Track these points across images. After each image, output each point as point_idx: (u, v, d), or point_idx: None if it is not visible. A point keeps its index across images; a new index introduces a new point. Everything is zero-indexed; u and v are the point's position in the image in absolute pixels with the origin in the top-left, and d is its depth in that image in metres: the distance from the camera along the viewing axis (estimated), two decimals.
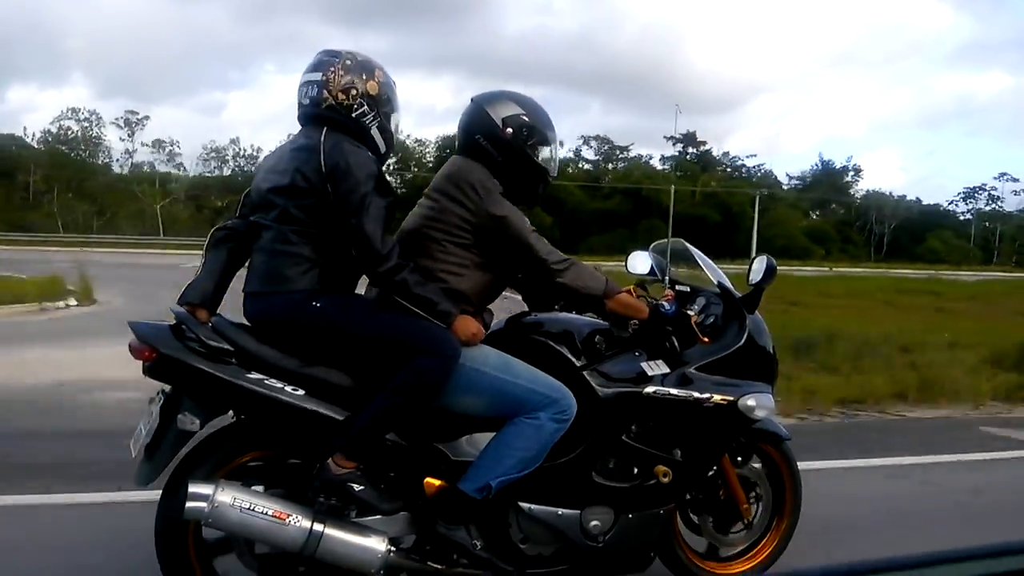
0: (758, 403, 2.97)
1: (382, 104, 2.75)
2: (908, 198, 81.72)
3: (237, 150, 66.33)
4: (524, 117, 2.90)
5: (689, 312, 3.05)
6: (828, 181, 75.87)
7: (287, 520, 2.53)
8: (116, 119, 65.78)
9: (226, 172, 63.43)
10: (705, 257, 3.23)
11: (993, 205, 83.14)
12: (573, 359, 2.88)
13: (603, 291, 2.83)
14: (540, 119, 2.94)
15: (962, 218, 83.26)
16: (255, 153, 62.69)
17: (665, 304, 2.99)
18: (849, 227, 75.66)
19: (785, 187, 76.32)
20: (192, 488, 2.50)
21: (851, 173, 78.65)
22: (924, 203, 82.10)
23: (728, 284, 3.11)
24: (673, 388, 2.91)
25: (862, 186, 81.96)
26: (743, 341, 3.03)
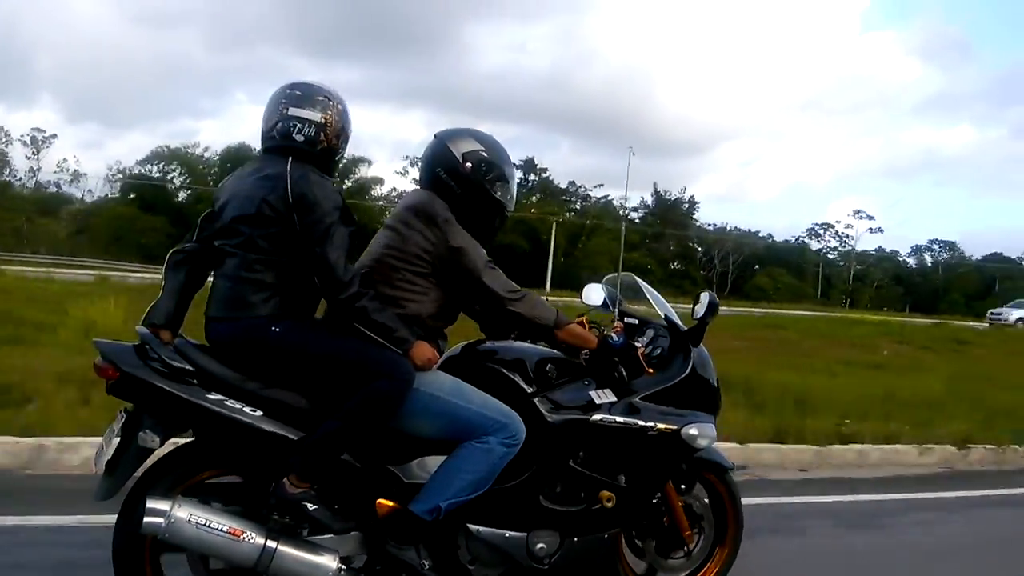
0: (701, 432, 3.11)
1: (344, 138, 2.91)
2: (759, 233, 79.99)
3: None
4: (483, 153, 3.03)
5: (637, 344, 3.19)
6: (663, 214, 72.46)
7: (242, 537, 2.61)
8: (22, 136, 63.45)
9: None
10: (654, 291, 3.38)
11: (842, 243, 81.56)
12: (524, 386, 3.00)
13: (554, 321, 2.97)
14: (499, 156, 3.08)
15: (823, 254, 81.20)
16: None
17: (613, 336, 3.12)
18: (690, 262, 73.60)
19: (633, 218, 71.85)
20: (150, 503, 2.57)
21: (686, 205, 75.88)
22: (774, 239, 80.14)
23: (675, 318, 3.26)
24: (619, 416, 3.03)
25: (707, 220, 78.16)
26: (687, 372, 3.17)
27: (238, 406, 2.67)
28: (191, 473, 2.77)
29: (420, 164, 3.16)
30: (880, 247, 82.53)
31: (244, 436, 2.68)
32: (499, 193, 3.07)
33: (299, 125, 2.80)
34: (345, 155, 2.99)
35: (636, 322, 3.38)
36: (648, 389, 3.12)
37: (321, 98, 2.83)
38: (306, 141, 2.80)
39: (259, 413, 2.68)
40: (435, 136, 3.12)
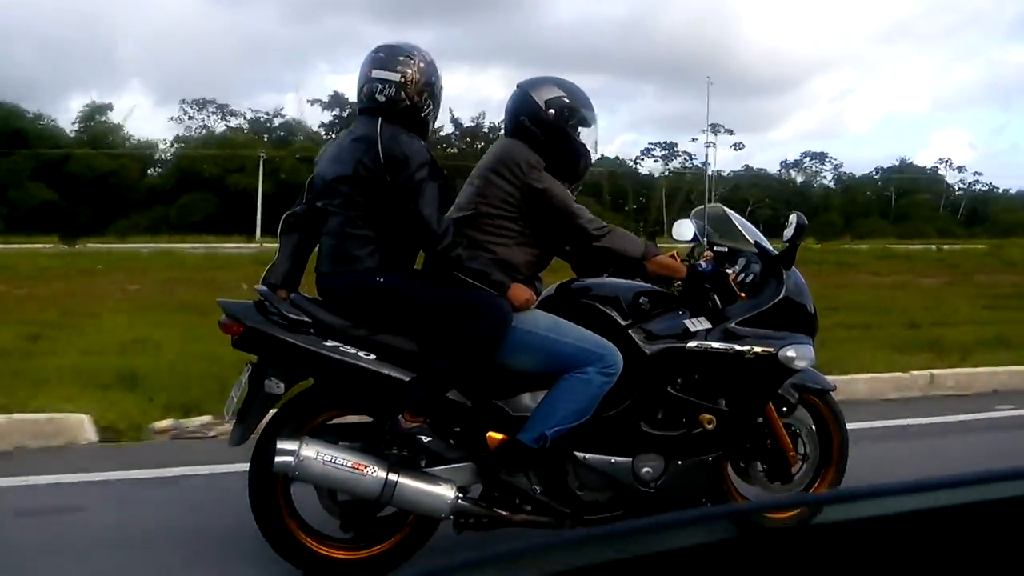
0: (798, 354, 3.15)
1: (436, 99, 3.06)
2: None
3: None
4: (565, 99, 3.14)
5: (727, 271, 3.24)
6: None
7: (365, 471, 2.83)
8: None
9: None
10: (744, 220, 3.42)
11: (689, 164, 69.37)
12: (618, 319, 3.11)
13: (642, 253, 3.06)
14: (581, 101, 3.18)
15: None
16: None
17: (702, 264, 3.19)
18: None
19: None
20: (280, 444, 2.81)
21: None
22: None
23: (765, 243, 3.30)
24: (715, 342, 3.11)
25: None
26: (781, 296, 3.21)
27: (353, 351, 2.87)
28: (314, 415, 3.00)
29: (504, 115, 3.28)
30: (747, 165, 74.12)
31: (360, 379, 2.89)
32: (582, 137, 3.17)
33: (380, 86, 2.96)
34: (439, 111, 3.11)
35: (726, 250, 3.43)
36: (743, 314, 3.18)
37: (402, 57, 2.98)
38: (388, 101, 2.95)
39: (372, 357, 2.88)
40: (517, 86, 3.24)
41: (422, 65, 2.99)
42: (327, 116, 44.01)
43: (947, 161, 74.77)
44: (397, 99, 2.96)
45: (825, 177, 73.88)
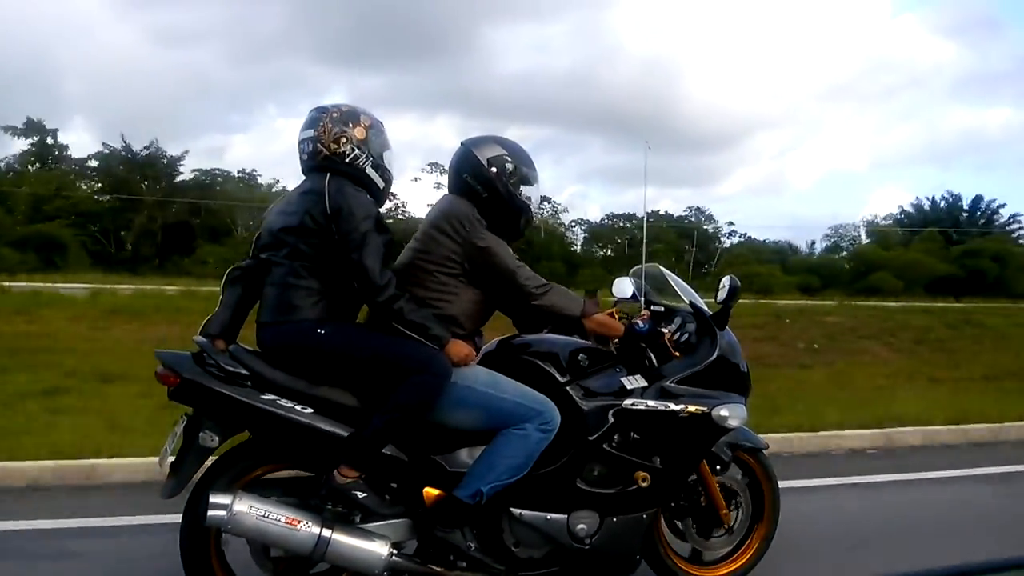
0: (731, 413, 3.22)
1: (371, 146, 3.07)
2: None
3: None
4: (507, 157, 3.22)
5: (663, 330, 3.32)
6: None
7: (298, 526, 2.81)
8: None
9: None
10: (679, 279, 3.51)
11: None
12: (557, 375, 3.15)
13: (580, 312, 3.12)
14: (522, 160, 3.26)
15: None
16: None
17: (639, 323, 3.27)
18: None
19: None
20: (213, 498, 2.78)
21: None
22: None
23: (700, 303, 3.38)
24: (651, 400, 3.17)
25: None
26: (715, 355, 3.29)
27: (290, 405, 2.87)
28: (249, 469, 2.97)
29: (448, 171, 3.35)
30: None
31: (296, 433, 2.88)
32: (523, 195, 3.24)
33: (304, 145, 3.06)
34: (385, 159, 3.13)
35: (663, 309, 3.51)
36: (678, 373, 3.25)
37: (315, 115, 3.06)
38: (309, 157, 3.05)
39: (310, 411, 2.88)
40: (461, 144, 3.31)
41: (335, 115, 3.05)
42: (23, 143, 41.32)
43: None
44: (315, 152, 3.02)
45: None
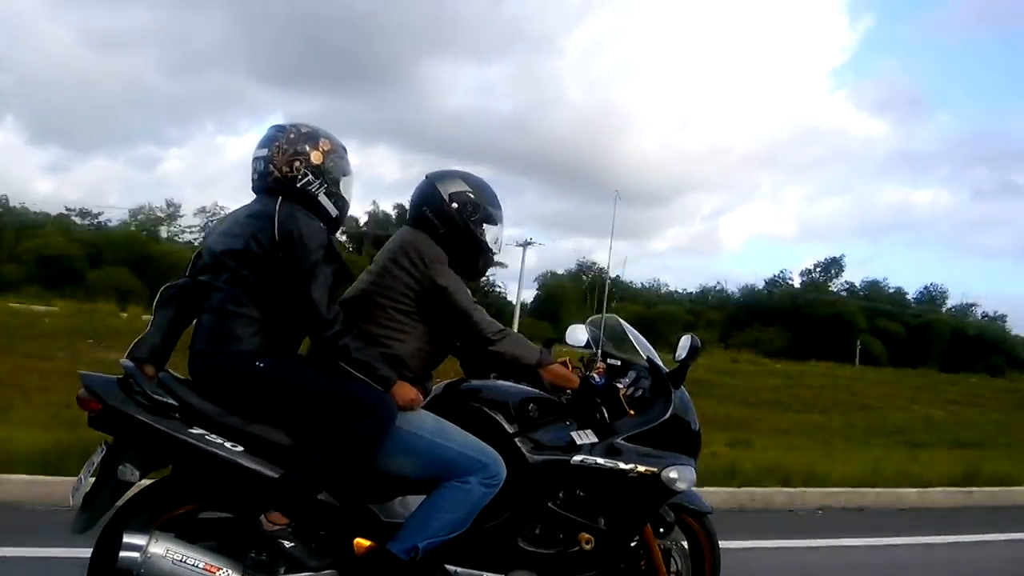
0: (680, 475, 3.11)
1: (328, 172, 2.87)
2: None
3: None
4: (470, 194, 3.08)
5: (618, 385, 3.21)
6: None
7: (217, 573, 2.61)
8: None
9: None
10: (637, 333, 3.40)
11: None
12: (506, 425, 3.01)
13: (536, 361, 2.99)
14: (486, 198, 3.12)
15: None
16: None
17: (595, 376, 3.14)
18: None
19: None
20: (126, 538, 2.57)
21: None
22: None
23: (657, 360, 3.28)
24: (600, 457, 3.04)
25: None
26: (668, 415, 3.18)
27: (219, 441, 2.67)
28: (169, 508, 2.76)
29: (409, 204, 3.19)
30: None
31: (223, 471, 2.68)
32: (483, 234, 3.10)
33: (255, 164, 2.88)
34: (343, 186, 2.94)
35: (619, 363, 3.40)
36: (629, 431, 3.13)
37: (272, 133, 2.89)
38: (259, 177, 2.86)
39: (239, 448, 2.69)
40: (425, 176, 3.16)
41: (292, 135, 2.87)
42: None
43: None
44: (266, 172, 2.84)
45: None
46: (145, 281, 39.37)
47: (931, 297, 71.74)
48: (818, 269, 72.02)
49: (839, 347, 48.82)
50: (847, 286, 71.04)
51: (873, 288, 69.57)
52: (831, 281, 70.92)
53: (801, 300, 62.65)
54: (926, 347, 58.97)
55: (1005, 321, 69.73)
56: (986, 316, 71.38)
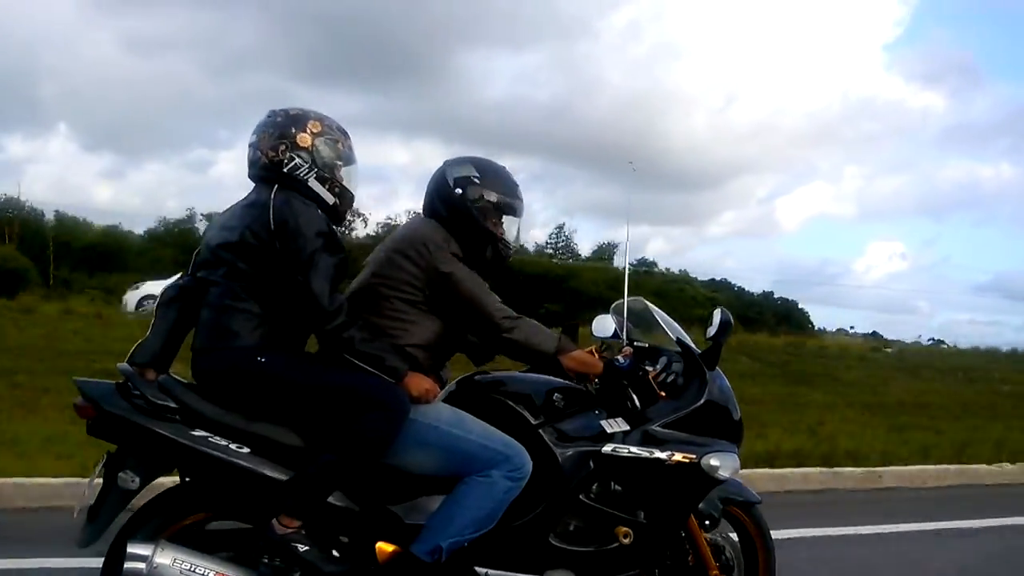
0: (722, 463, 2.90)
1: (318, 156, 2.72)
2: None
3: None
4: (475, 180, 2.92)
5: (648, 368, 3.01)
6: None
7: None
8: None
9: None
10: (664, 315, 3.21)
11: None
12: (529, 417, 2.83)
13: (555, 348, 2.81)
14: (494, 184, 2.95)
15: None
16: None
17: (620, 359, 2.95)
18: None
19: None
20: (131, 548, 2.44)
21: None
22: None
23: (688, 340, 3.07)
24: (633, 446, 2.85)
25: None
26: (704, 399, 2.97)
27: (223, 443, 2.54)
28: (178, 517, 2.62)
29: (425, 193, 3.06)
30: None
31: (229, 475, 2.54)
32: (493, 223, 2.95)
33: (248, 152, 2.77)
34: (339, 174, 2.79)
35: (647, 346, 3.20)
36: (663, 417, 2.93)
37: (262, 119, 2.77)
38: (249, 164, 2.76)
39: (245, 450, 2.55)
40: (442, 163, 3.03)
41: (279, 120, 2.74)
42: None
43: None
44: (255, 160, 2.73)
45: None
46: None
47: None
48: None
49: None
50: None
51: None
52: None
53: None
54: None
55: None
56: None
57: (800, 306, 57.59)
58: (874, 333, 44.13)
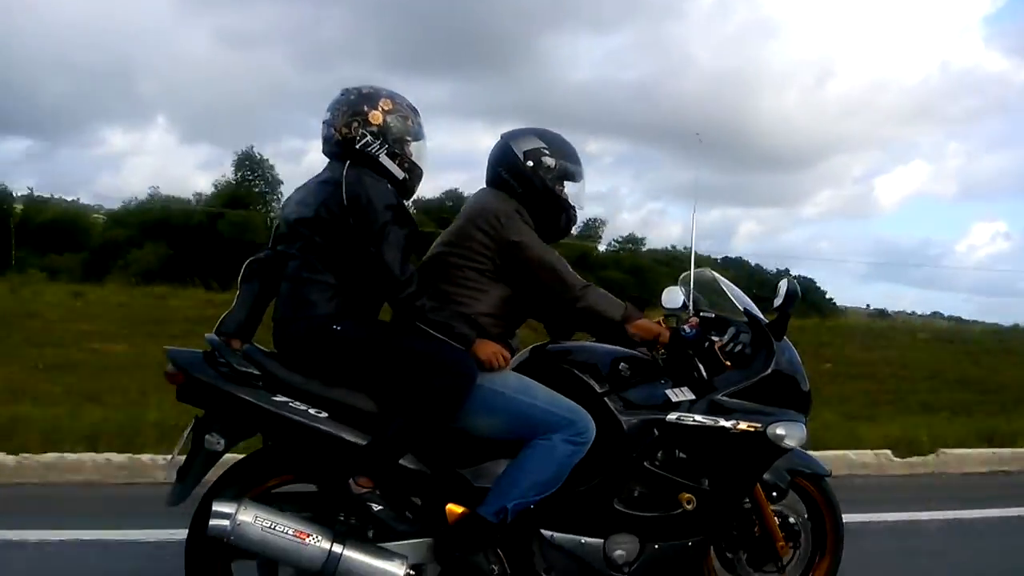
0: (788, 432, 2.91)
1: (389, 133, 2.82)
2: None
3: None
4: (545, 151, 2.98)
5: (713, 338, 3.02)
6: None
7: (307, 540, 2.58)
8: None
9: None
10: (732, 285, 3.21)
11: None
12: (595, 385, 2.89)
13: (622, 315, 2.86)
14: (563, 153, 3.02)
15: None
16: None
17: (686, 328, 2.98)
18: None
19: None
20: (216, 507, 2.57)
21: None
22: None
23: (755, 311, 3.08)
24: (698, 415, 2.88)
25: None
26: (771, 369, 2.98)
27: (302, 408, 2.66)
28: (260, 479, 2.76)
29: (486, 165, 3.13)
30: None
31: (309, 438, 2.67)
32: (563, 191, 3.01)
33: (322, 129, 2.87)
34: (409, 149, 2.88)
35: (713, 316, 3.21)
36: (730, 386, 2.95)
37: (336, 97, 2.87)
38: (323, 141, 2.86)
39: (324, 415, 2.67)
40: (500, 136, 3.10)
41: (352, 97, 2.84)
42: None
43: None
44: (328, 136, 2.84)
45: None
46: None
47: None
48: None
49: None
50: None
51: None
52: None
53: None
54: None
55: None
56: None
57: (817, 284, 56.41)
58: (958, 318, 42.08)
